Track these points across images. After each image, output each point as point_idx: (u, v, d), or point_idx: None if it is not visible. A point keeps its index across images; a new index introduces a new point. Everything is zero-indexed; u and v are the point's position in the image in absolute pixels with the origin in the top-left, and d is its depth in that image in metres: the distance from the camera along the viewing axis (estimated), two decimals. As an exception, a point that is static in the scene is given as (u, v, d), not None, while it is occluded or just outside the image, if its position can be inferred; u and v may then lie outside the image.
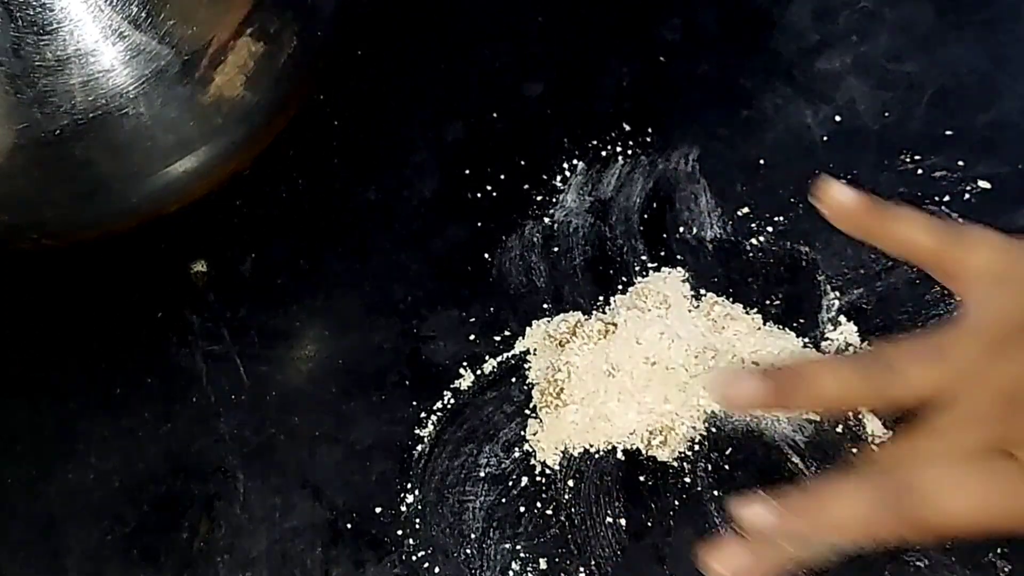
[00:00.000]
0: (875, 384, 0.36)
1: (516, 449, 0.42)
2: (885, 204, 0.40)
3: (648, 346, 0.42)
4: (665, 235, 0.46)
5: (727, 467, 0.40)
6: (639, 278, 0.45)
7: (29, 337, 0.47)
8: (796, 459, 0.40)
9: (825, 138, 0.47)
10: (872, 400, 0.38)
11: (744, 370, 0.40)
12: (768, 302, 0.43)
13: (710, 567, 0.34)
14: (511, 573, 0.40)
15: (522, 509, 0.41)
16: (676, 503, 0.40)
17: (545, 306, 0.45)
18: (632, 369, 0.42)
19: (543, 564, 0.40)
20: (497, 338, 0.44)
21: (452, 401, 0.43)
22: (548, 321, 0.44)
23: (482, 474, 0.42)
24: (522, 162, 0.48)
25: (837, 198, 0.40)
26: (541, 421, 0.42)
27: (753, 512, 0.34)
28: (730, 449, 0.41)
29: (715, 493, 0.40)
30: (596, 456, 0.41)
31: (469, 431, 0.43)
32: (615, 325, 0.43)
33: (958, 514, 0.34)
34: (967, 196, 0.45)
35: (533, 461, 0.42)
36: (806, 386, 0.37)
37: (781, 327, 0.43)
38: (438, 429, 0.43)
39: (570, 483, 0.41)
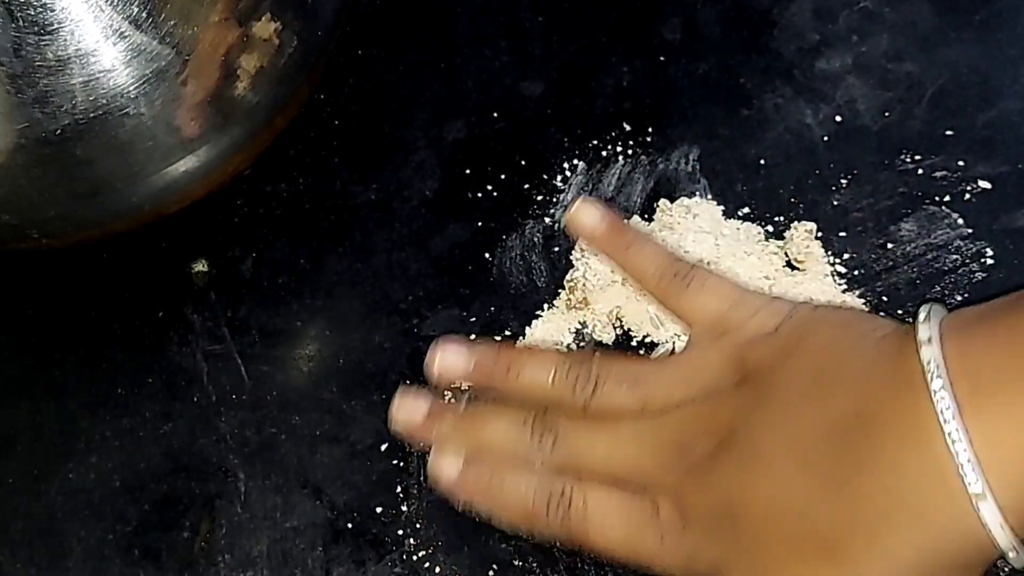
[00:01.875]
0: (572, 389, 0.39)
1: (516, 449, 0.42)
2: (628, 231, 0.42)
3: None
4: (665, 235, 0.46)
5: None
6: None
7: (29, 337, 0.47)
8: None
9: (825, 138, 0.47)
10: (567, 403, 0.39)
11: (455, 340, 0.41)
12: (768, 302, 0.43)
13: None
14: (511, 573, 0.40)
15: (522, 509, 0.41)
16: (676, 503, 0.40)
17: (546, 306, 0.45)
18: None
19: (543, 564, 0.40)
20: (497, 338, 0.44)
21: (452, 401, 0.43)
22: (549, 316, 0.44)
23: (483, 474, 0.42)
24: (522, 162, 0.48)
25: (584, 221, 0.42)
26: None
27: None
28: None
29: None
30: (596, 456, 0.41)
31: (469, 431, 0.42)
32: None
33: (599, 541, 0.37)
34: (967, 196, 0.45)
35: (533, 461, 0.41)
36: (509, 369, 0.39)
37: (781, 327, 0.43)
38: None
39: (570, 483, 0.41)
